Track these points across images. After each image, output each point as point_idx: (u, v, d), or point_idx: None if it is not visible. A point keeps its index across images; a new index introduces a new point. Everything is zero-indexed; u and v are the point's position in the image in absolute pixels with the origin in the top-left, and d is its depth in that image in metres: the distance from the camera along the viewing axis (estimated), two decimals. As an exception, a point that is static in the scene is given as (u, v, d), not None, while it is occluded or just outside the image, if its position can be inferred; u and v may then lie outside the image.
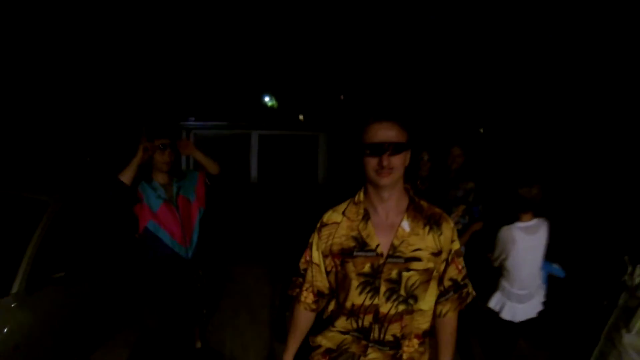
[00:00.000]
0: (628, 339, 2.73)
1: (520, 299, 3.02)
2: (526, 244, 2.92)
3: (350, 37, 17.00)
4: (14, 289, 2.70)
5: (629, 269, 2.88)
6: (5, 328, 2.55)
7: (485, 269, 3.23)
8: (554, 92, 12.99)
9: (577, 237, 6.76)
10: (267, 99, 19.32)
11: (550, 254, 3.18)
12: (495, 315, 3.08)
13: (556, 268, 3.24)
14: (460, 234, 3.59)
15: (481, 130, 18.51)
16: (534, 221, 2.96)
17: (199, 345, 3.68)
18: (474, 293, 1.77)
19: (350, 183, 4.29)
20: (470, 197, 3.75)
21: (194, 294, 3.21)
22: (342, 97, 20.04)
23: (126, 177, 2.72)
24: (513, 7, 12.28)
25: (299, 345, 1.86)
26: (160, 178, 2.98)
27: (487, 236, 3.16)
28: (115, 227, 3.95)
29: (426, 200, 3.51)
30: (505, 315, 3.04)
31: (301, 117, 17.57)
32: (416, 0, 14.46)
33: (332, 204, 1.75)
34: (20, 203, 3.31)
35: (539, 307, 3.09)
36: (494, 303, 3.11)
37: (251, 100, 17.32)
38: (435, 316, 1.73)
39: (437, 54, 15.28)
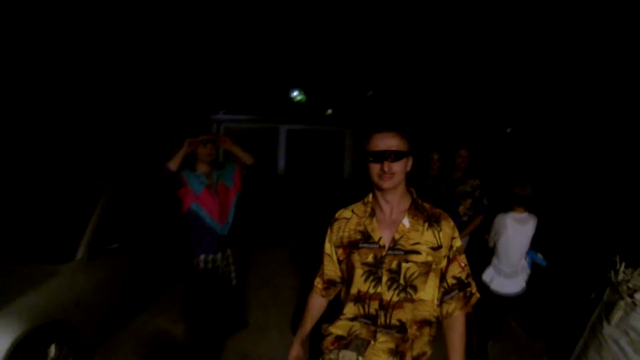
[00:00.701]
0: (608, 330, 3.00)
1: (507, 275, 3.55)
2: (515, 231, 3.45)
3: (378, 34, 17.04)
4: (78, 256, 3.27)
5: (618, 266, 3.23)
6: (69, 287, 3.12)
7: (485, 252, 3.74)
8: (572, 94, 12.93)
9: (572, 237, 7.45)
10: (295, 93, 19.81)
11: (545, 248, 3.60)
12: (487, 289, 3.56)
13: (539, 257, 3.71)
14: (467, 225, 4.03)
15: (509, 130, 18.53)
16: (525, 214, 3.48)
17: (230, 315, 4.13)
18: (478, 295, 1.87)
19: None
20: (477, 192, 4.13)
21: (226, 268, 3.70)
22: (369, 93, 20.14)
23: (173, 164, 3.19)
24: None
25: (309, 330, 2.03)
26: (202, 168, 3.43)
27: (487, 222, 3.70)
28: (160, 209, 4.52)
29: (434, 196, 3.91)
30: (495, 287, 3.57)
31: (329, 111, 17.72)
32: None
33: (356, 199, 1.92)
34: (83, 188, 3.89)
35: (522, 285, 3.57)
36: (486, 276, 3.65)
37: (280, 94, 17.47)
38: (443, 317, 1.83)
39: (464, 55, 15.19)
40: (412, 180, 4.12)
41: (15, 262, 3.17)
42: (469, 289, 1.82)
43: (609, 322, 3.00)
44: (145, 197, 4.36)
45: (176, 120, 14.59)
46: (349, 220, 1.85)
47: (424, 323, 1.78)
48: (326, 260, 1.93)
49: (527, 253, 3.61)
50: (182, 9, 12.48)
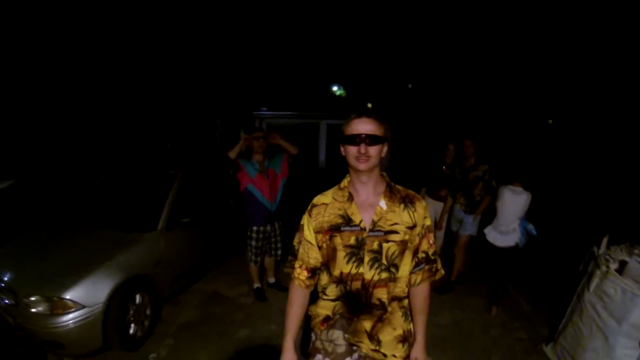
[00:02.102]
0: (587, 296, 3.54)
1: (501, 232, 4.63)
2: (510, 199, 4.51)
3: (417, 28, 17.21)
4: (159, 227, 4.19)
5: (602, 243, 3.81)
6: (153, 250, 4.05)
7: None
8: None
9: (573, 218, 8.41)
10: (335, 88, 19.71)
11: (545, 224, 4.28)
12: (486, 242, 4.73)
13: (531, 227, 4.53)
14: (480, 204, 4.75)
15: (550, 122, 18.55)
16: (520, 189, 4.49)
17: (272, 280, 5.01)
18: (442, 272, 2.03)
19: (410, 170, 5.35)
20: (486, 176, 4.79)
21: (274, 237, 4.61)
22: (410, 85, 20.24)
23: (232, 153, 4.16)
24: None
25: (298, 326, 1.98)
26: (256, 157, 4.31)
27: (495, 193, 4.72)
28: (220, 194, 5.45)
29: (450, 181, 4.63)
30: (489, 238, 4.71)
31: (369, 105, 18.03)
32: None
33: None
34: (160, 175, 4.84)
35: (511, 243, 4.58)
36: (486, 230, 4.77)
37: (320, 90, 17.72)
38: (410, 285, 1.95)
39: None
40: (429, 168, 4.87)
41: (112, 231, 4.09)
42: (434, 265, 1.97)
43: (589, 289, 3.53)
44: (208, 183, 5.30)
45: (220, 117, 15.47)
46: (327, 206, 1.91)
47: (401, 299, 1.94)
48: (308, 248, 1.95)
49: (521, 221, 4.51)
50: (229, 14, 13.18)
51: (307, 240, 1.94)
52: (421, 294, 1.97)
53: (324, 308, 1.97)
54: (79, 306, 3.29)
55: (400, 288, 1.91)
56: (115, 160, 7.30)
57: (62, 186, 6.38)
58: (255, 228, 4.42)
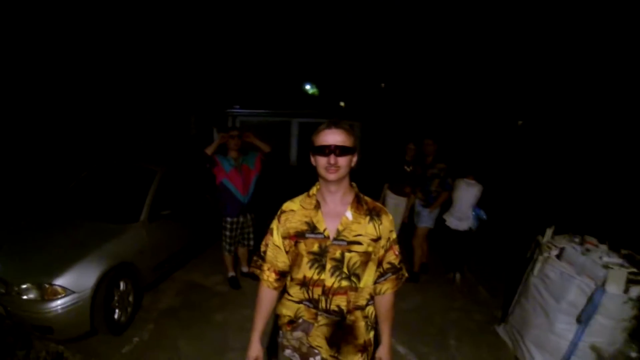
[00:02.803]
0: (532, 279, 3.97)
1: (458, 218, 5.39)
2: (464, 190, 5.27)
3: (389, 28, 17.51)
4: (141, 218, 4.45)
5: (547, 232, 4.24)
6: (136, 240, 4.31)
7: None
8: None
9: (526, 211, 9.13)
10: (308, 87, 19.86)
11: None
12: (446, 226, 5.48)
13: (482, 212, 5.22)
14: (437, 199, 5.18)
15: (520, 123, 19.21)
16: (473, 182, 5.28)
17: (245, 269, 5.33)
18: (406, 275, 2.09)
19: (382, 169, 5.77)
20: (442, 174, 5.22)
21: (246, 228, 4.95)
22: (382, 85, 20.52)
23: (209, 150, 4.49)
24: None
25: (265, 324, 2.09)
26: (232, 154, 4.63)
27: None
28: (197, 189, 5.75)
29: (410, 178, 5.04)
30: (449, 224, 5.46)
31: (342, 103, 18.21)
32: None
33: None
34: (142, 171, 5.09)
35: (466, 227, 5.37)
36: (445, 216, 5.49)
37: (293, 89, 17.90)
38: (376, 294, 2.02)
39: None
40: (390, 166, 5.28)
41: (97, 223, 4.34)
42: (401, 272, 2.04)
43: (533, 273, 3.95)
44: (186, 178, 5.59)
45: (194, 116, 15.57)
46: (295, 212, 1.95)
47: (356, 308, 1.97)
48: (276, 252, 2.00)
49: (474, 209, 5.20)
50: (198, 12, 13.22)
51: (276, 245, 2.00)
52: (387, 302, 2.03)
53: (289, 309, 2.03)
54: (68, 292, 3.51)
55: (363, 297, 1.97)
56: (90, 156, 7.45)
57: (39, 182, 6.49)
58: (229, 219, 4.75)
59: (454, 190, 5.34)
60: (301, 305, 1.99)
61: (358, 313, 1.98)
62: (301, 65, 17.99)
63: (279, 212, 2.02)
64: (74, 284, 3.56)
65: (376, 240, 1.89)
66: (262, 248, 2.06)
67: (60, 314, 3.49)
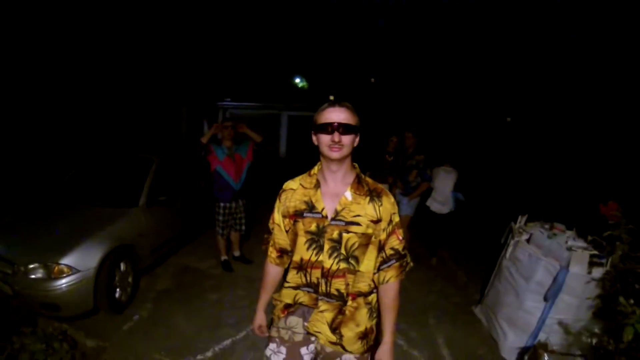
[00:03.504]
0: (504, 262, 4.30)
1: (439, 202, 5.96)
2: (443, 176, 5.88)
3: (379, 22, 17.66)
4: (140, 203, 4.71)
5: (519, 220, 4.55)
6: (135, 223, 4.56)
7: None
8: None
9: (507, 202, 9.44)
10: (297, 80, 20.23)
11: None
12: (428, 210, 6.02)
13: (460, 195, 5.95)
14: (416, 189, 5.46)
15: (508, 119, 19.57)
16: (450, 168, 5.95)
17: (237, 253, 5.63)
18: (412, 264, 2.03)
19: (366, 159, 6.14)
20: (421, 165, 5.58)
21: (238, 213, 5.22)
22: (372, 79, 20.69)
23: (204, 139, 4.78)
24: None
25: (269, 296, 2.16)
26: (226, 143, 4.92)
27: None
28: (192, 177, 6.03)
29: (392, 167, 5.35)
30: (432, 208, 6.00)
31: (332, 97, 18.32)
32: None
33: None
34: (139, 159, 5.36)
35: (447, 210, 5.96)
36: (428, 202, 6.03)
37: (283, 81, 18.00)
38: (379, 283, 1.94)
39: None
40: (374, 156, 5.61)
41: (99, 208, 4.60)
42: (405, 259, 1.96)
43: (506, 257, 4.29)
44: (181, 167, 5.88)
45: (185, 107, 15.71)
46: (295, 191, 1.95)
47: (358, 295, 1.92)
48: (276, 229, 2.02)
49: (452, 192, 5.90)
50: (190, 6, 13.30)
51: (276, 223, 2.02)
52: (391, 292, 1.95)
53: (286, 296, 1.99)
54: (74, 270, 3.76)
55: (364, 283, 1.91)
56: (87, 145, 7.64)
57: (38, 170, 6.66)
58: (222, 204, 5.05)
59: (434, 178, 5.83)
60: (299, 291, 1.95)
61: (360, 300, 1.93)
62: (291, 58, 17.94)
63: (280, 191, 2.03)
64: (78, 263, 3.80)
65: (376, 222, 1.85)
66: (270, 225, 2.08)
67: (66, 292, 3.73)
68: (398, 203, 5.74)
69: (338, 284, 1.86)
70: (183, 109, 15.46)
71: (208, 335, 3.94)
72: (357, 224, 1.82)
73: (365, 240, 1.85)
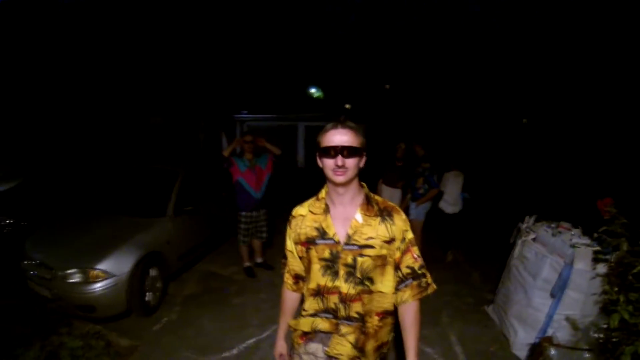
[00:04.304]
0: (513, 261, 4.47)
1: (450, 204, 6.34)
2: (452, 181, 6.27)
3: (395, 29, 17.78)
4: (168, 213, 5.05)
5: (527, 220, 4.73)
6: (163, 232, 4.90)
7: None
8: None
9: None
10: (313, 90, 20.10)
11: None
12: (442, 212, 6.36)
13: (466, 195, 6.42)
14: (424, 195, 5.69)
15: (525, 121, 19.59)
16: (458, 172, 6.34)
17: (260, 260, 5.89)
18: (434, 286, 1.92)
19: (378, 167, 6.45)
20: (426, 173, 5.83)
21: (260, 221, 5.50)
22: (387, 86, 20.75)
23: (226, 152, 5.09)
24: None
25: (288, 320, 2.11)
26: (247, 156, 5.21)
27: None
28: (215, 188, 6.34)
29: (401, 172, 5.62)
30: (446, 210, 6.36)
31: (348, 105, 18.50)
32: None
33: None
34: (165, 172, 5.71)
35: (457, 210, 6.38)
36: (440, 205, 6.35)
37: (298, 92, 18.17)
38: (397, 303, 1.87)
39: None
40: (385, 162, 5.90)
41: (129, 217, 4.95)
42: (424, 279, 1.87)
43: (514, 256, 4.47)
44: (204, 178, 6.19)
45: (203, 120, 16.12)
46: (304, 218, 1.90)
47: (386, 314, 1.88)
48: (290, 256, 2.01)
49: (460, 193, 6.32)
50: (207, 21, 13.70)
51: (289, 250, 2.00)
52: (410, 312, 1.86)
53: (304, 325, 1.93)
54: (109, 275, 4.10)
55: (389, 303, 1.87)
56: (106, 158, 8.04)
57: (66, 183, 7.01)
58: (243, 213, 5.34)
59: (445, 182, 6.10)
60: (317, 318, 1.89)
61: (388, 319, 1.92)
62: (306, 69, 18.20)
63: (290, 218, 2.00)
64: (113, 268, 4.14)
65: (389, 242, 1.80)
66: (286, 251, 2.05)
67: (101, 295, 4.06)
68: (408, 208, 5.98)
69: (357, 307, 1.82)
70: (201, 121, 15.84)
71: (233, 335, 4.20)
72: (371, 246, 1.77)
73: (381, 261, 1.80)
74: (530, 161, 15.55)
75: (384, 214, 1.83)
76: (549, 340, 3.50)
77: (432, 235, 6.75)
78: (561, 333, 3.72)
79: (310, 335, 1.94)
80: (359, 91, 18.62)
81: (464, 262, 6.53)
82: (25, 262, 4.43)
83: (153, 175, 5.85)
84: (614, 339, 2.69)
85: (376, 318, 1.86)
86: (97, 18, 11.51)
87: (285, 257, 2.07)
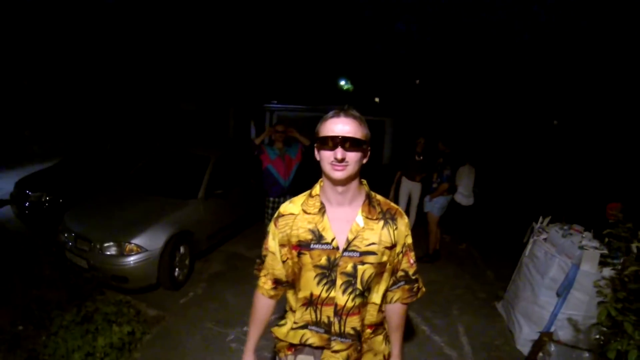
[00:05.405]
0: (524, 259, 4.66)
1: (465, 196, 6.65)
2: (466, 175, 6.55)
3: (425, 23, 17.78)
4: (199, 195, 5.40)
5: (540, 220, 4.89)
6: (194, 213, 5.25)
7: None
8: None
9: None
10: (343, 82, 20.30)
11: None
12: (457, 205, 6.63)
13: (476, 189, 6.76)
14: (436, 189, 6.01)
15: (555, 122, 19.43)
16: (472, 167, 6.64)
17: None
18: (424, 289, 1.84)
19: (399, 159, 6.67)
20: (439, 167, 6.04)
21: None
22: (417, 81, 20.73)
23: (257, 140, 5.34)
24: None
25: (260, 333, 1.89)
26: (277, 145, 5.45)
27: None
28: (244, 174, 6.65)
29: (420, 166, 5.84)
30: (459, 201, 6.63)
31: (377, 99, 18.61)
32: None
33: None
34: (198, 157, 6.04)
35: (472, 202, 6.74)
36: (456, 198, 6.55)
37: (328, 84, 18.46)
38: (386, 301, 1.77)
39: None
40: (406, 155, 6.15)
41: (164, 198, 5.31)
42: (416, 284, 1.80)
43: (525, 254, 4.66)
44: (235, 164, 6.51)
45: (233, 108, 16.45)
46: (296, 217, 1.69)
47: (377, 326, 1.77)
48: (271, 258, 1.77)
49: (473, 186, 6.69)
50: (240, 14, 14.02)
51: (271, 252, 1.77)
52: (397, 312, 1.82)
53: (292, 337, 1.74)
54: (142, 249, 4.46)
55: (373, 315, 1.73)
56: (141, 142, 8.43)
57: (102, 164, 7.41)
58: (271, 199, 5.60)
59: (460, 176, 6.37)
60: (307, 331, 1.71)
61: (380, 330, 1.80)
62: (336, 61, 18.35)
63: (276, 215, 1.77)
64: (147, 244, 4.50)
65: (391, 247, 1.66)
66: (263, 252, 1.84)
67: (134, 267, 4.44)
68: (424, 202, 6.22)
69: (354, 322, 1.65)
70: (231, 109, 16.18)
71: (254, 311, 4.51)
72: (373, 253, 1.61)
73: (381, 268, 1.65)
74: (558, 163, 15.49)
75: (387, 216, 1.67)
76: (549, 336, 3.67)
77: (448, 228, 7.16)
78: (563, 332, 3.86)
79: (298, 347, 1.76)
80: (388, 85, 18.68)
81: (479, 259, 6.69)
82: (65, 235, 4.83)
83: (186, 159, 6.19)
84: (605, 334, 2.85)
85: (368, 331, 1.74)
86: (136, 12, 11.94)
87: (262, 259, 1.86)
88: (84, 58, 11.39)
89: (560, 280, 4.01)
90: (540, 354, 3.65)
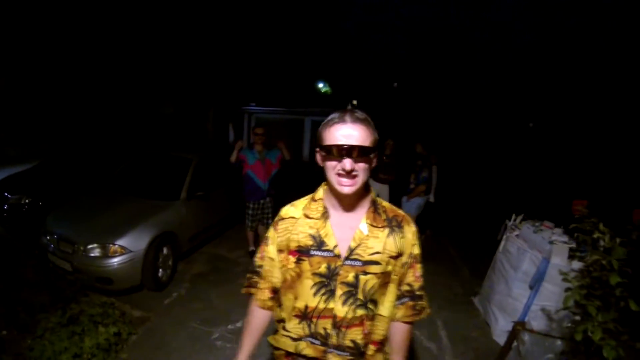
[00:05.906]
0: (498, 255, 4.84)
1: (432, 193, 6.93)
2: (434, 173, 6.84)
3: (401, 27, 17.99)
4: (181, 197, 5.44)
5: (513, 218, 5.09)
6: (177, 214, 5.28)
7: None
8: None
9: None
10: (321, 85, 20.36)
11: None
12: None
13: None
14: (413, 190, 6.06)
15: (531, 125, 19.85)
16: (436, 167, 6.92)
17: (252, 248, 6.17)
18: (429, 311, 1.72)
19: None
20: (417, 169, 6.25)
21: (265, 209, 5.83)
22: (395, 84, 20.96)
23: (232, 158, 5.46)
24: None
25: (255, 344, 1.78)
26: (257, 148, 5.54)
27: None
28: (224, 176, 6.68)
29: (390, 168, 6.02)
30: (431, 200, 6.92)
31: (355, 101, 18.76)
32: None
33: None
34: (180, 159, 6.07)
35: (433, 200, 7.05)
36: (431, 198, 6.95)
37: (306, 86, 18.58)
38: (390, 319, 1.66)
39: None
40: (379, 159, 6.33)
41: (146, 200, 5.33)
42: (420, 302, 1.67)
43: (499, 250, 4.85)
44: (215, 167, 6.57)
45: (212, 110, 16.46)
46: (297, 221, 1.60)
47: (381, 344, 1.65)
48: (269, 265, 1.67)
49: None
50: (217, 14, 14.02)
51: (270, 257, 1.67)
52: (401, 332, 1.69)
53: (287, 346, 1.64)
54: (127, 250, 4.49)
55: (383, 329, 1.63)
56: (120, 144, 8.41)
57: (82, 167, 7.35)
58: (251, 203, 5.70)
59: (431, 175, 6.56)
60: (302, 342, 1.61)
61: (372, 348, 1.62)
62: (314, 64, 18.45)
63: (276, 219, 1.69)
64: (131, 245, 4.53)
65: (396, 257, 1.56)
66: (257, 262, 1.73)
67: (119, 269, 4.45)
68: (402, 203, 6.35)
69: (354, 334, 1.55)
70: (210, 111, 16.19)
71: (239, 310, 4.56)
72: (377, 262, 1.51)
73: (385, 279, 1.56)
74: (532, 163, 15.87)
75: (393, 224, 1.59)
76: (522, 325, 3.82)
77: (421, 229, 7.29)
78: (537, 322, 3.97)
79: (295, 356, 1.65)
80: (367, 88, 18.84)
81: (458, 257, 6.89)
82: (48, 237, 4.81)
83: (168, 161, 6.23)
84: (574, 321, 3.01)
85: (372, 348, 1.61)
86: (113, 13, 11.89)
87: (254, 271, 1.74)
88: (62, 59, 11.25)
89: (532, 273, 4.19)
90: (515, 343, 3.79)
